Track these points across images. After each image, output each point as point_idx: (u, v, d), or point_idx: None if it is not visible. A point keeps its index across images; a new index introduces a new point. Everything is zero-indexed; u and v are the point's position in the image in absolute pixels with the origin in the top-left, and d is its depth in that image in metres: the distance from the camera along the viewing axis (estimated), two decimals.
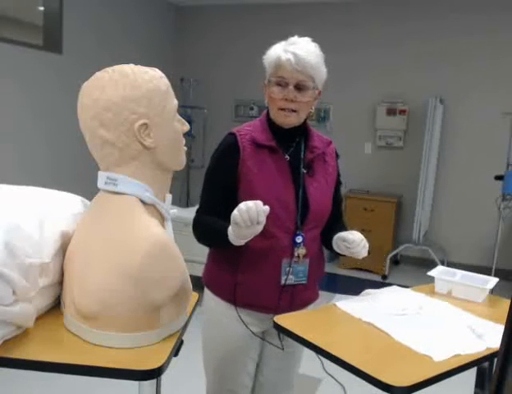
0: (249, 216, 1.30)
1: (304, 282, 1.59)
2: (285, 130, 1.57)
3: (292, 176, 1.56)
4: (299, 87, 1.50)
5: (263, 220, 1.32)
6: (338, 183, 1.71)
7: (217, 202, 1.56)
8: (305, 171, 1.58)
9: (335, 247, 1.61)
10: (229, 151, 1.55)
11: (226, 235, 1.42)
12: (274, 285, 1.55)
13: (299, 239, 1.55)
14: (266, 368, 1.74)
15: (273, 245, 1.53)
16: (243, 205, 1.32)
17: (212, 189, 1.59)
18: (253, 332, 1.60)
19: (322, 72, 1.54)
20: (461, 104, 5.09)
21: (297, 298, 1.60)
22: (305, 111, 1.55)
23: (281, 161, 1.56)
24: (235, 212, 1.33)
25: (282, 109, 1.52)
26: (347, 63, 5.23)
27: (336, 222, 1.68)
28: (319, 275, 1.69)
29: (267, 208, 1.32)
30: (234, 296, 1.56)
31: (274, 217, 1.48)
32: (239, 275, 1.55)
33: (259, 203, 1.32)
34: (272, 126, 1.58)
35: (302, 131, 1.61)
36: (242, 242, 1.41)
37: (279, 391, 1.78)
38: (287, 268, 1.55)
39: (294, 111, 1.52)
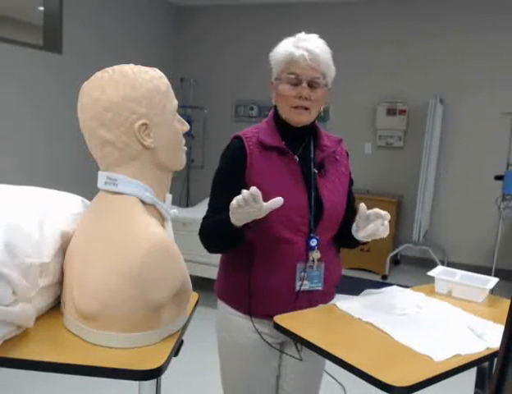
0: (244, 198, 1.26)
1: (319, 288, 1.53)
2: (294, 131, 1.53)
3: (304, 177, 1.51)
4: (311, 84, 1.46)
5: (260, 202, 1.27)
6: (351, 182, 1.67)
7: (223, 207, 1.41)
8: (316, 172, 1.53)
9: (355, 232, 1.52)
10: (236, 155, 1.49)
11: (229, 220, 1.35)
12: (289, 292, 1.50)
13: (313, 242, 1.50)
14: (286, 378, 1.66)
15: (287, 249, 1.48)
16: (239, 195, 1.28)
17: (220, 194, 1.51)
18: (269, 344, 1.54)
19: (332, 69, 1.51)
20: (461, 104, 5.09)
21: (315, 305, 1.53)
22: (317, 109, 1.52)
23: (291, 162, 1.51)
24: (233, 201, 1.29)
25: (295, 107, 1.48)
26: (347, 63, 5.22)
27: (351, 221, 1.59)
28: (336, 280, 1.63)
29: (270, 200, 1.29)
30: (250, 308, 1.50)
31: (287, 220, 1.45)
32: (252, 284, 1.49)
33: (254, 189, 1.26)
34: (280, 127, 1.54)
35: (311, 131, 1.57)
36: (242, 222, 1.35)
37: None
38: (302, 273, 1.49)
39: (307, 109, 1.48)
